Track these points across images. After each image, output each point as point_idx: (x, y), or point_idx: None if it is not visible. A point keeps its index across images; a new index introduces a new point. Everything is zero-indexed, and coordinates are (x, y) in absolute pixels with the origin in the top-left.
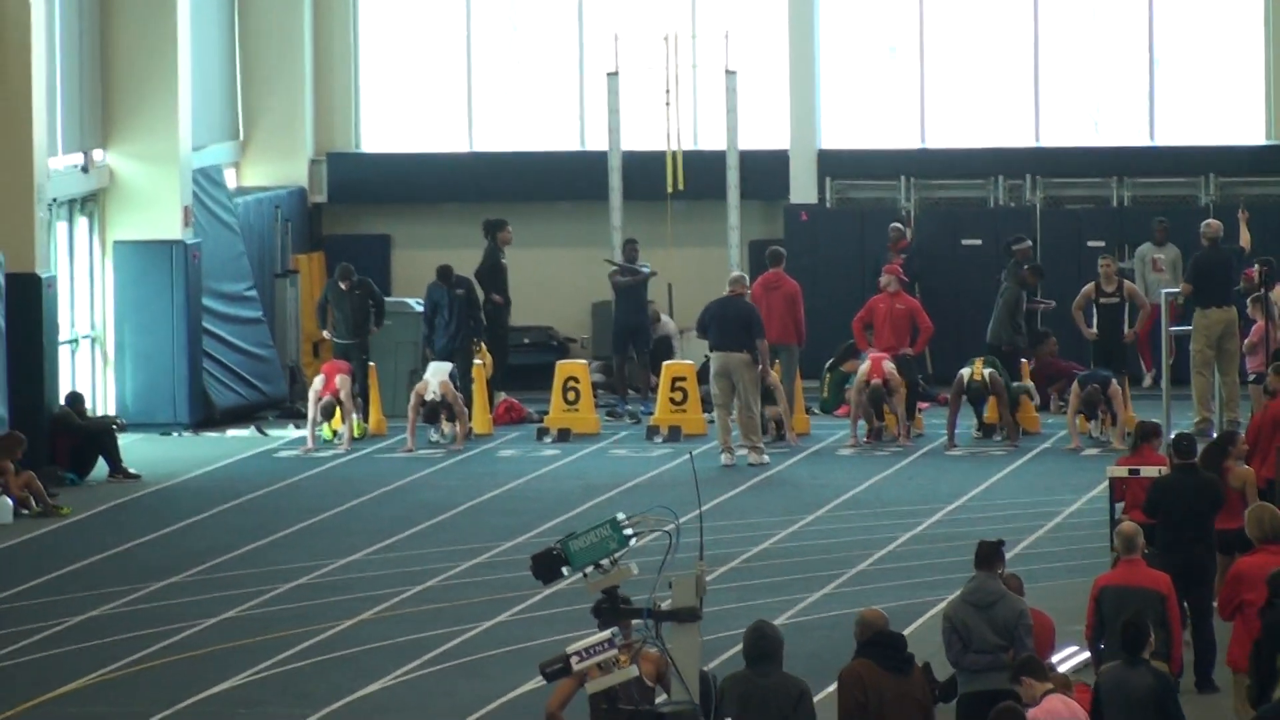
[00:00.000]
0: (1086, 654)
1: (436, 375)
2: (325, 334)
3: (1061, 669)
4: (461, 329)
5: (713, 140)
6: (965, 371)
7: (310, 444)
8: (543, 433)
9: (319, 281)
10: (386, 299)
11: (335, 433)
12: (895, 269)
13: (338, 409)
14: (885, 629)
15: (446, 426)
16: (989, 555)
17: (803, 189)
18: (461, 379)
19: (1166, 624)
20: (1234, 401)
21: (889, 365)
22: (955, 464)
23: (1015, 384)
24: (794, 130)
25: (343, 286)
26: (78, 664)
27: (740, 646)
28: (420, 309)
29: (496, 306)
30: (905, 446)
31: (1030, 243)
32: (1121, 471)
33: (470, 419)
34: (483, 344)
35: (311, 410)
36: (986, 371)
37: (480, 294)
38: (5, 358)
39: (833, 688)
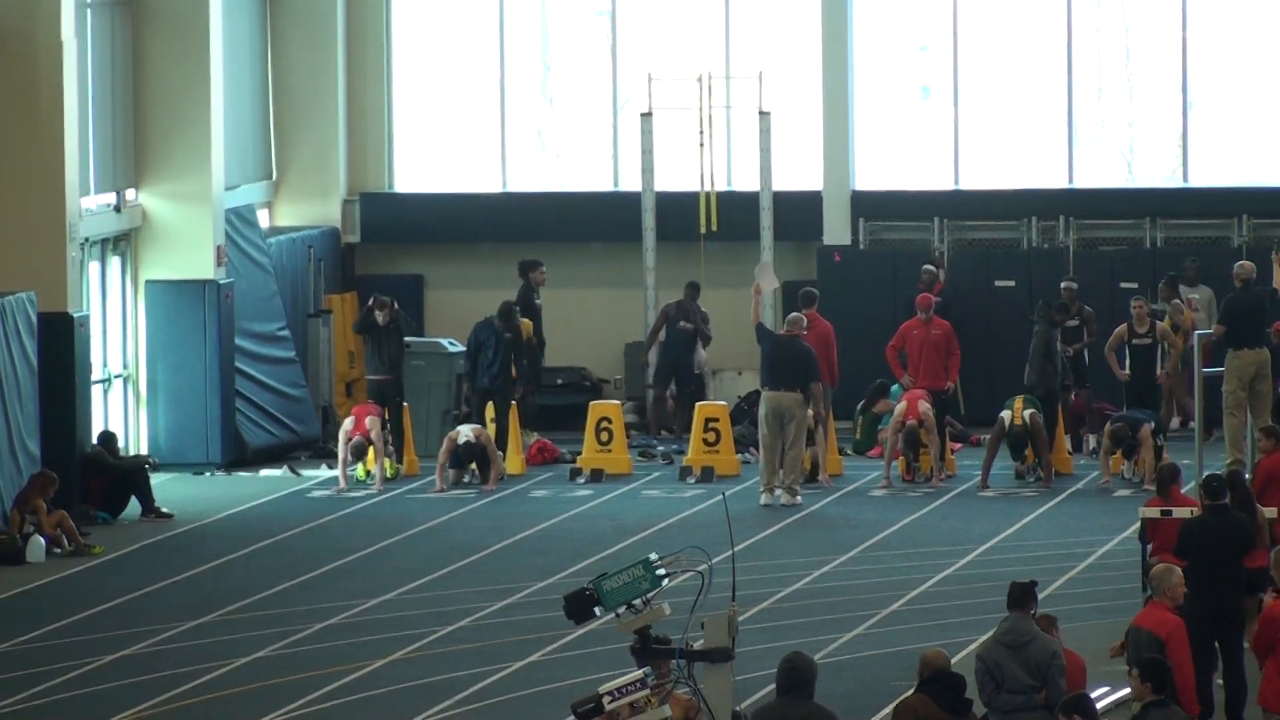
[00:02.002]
0: (1118, 694)
1: (470, 425)
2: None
3: None
4: (504, 370)
5: (746, 181)
6: (1005, 415)
7: (343, 484)
8: (575, 473)
9: (351, 321)
10: (420, 339)
11: (368, 473)
12: (929, 297)
13: (369, 449)
14: (947, 668)
15: (476, 467)
16: (1021, 596)
17: (836, 230)
18: (498, 419)
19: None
20: None
21: (924, 406)
22: (987, 505)
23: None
24: (827, 171)
25: (379, 318)
26: (109, 703)
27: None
28: (453, 349)
29: (530, 347)
30: (938, 487)
31: (1075, 285)
32: (1154, 513)
33: (504, 460)
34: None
35: (342, 451)
36: (1027, 414)
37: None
38: (38, 397)
39: None
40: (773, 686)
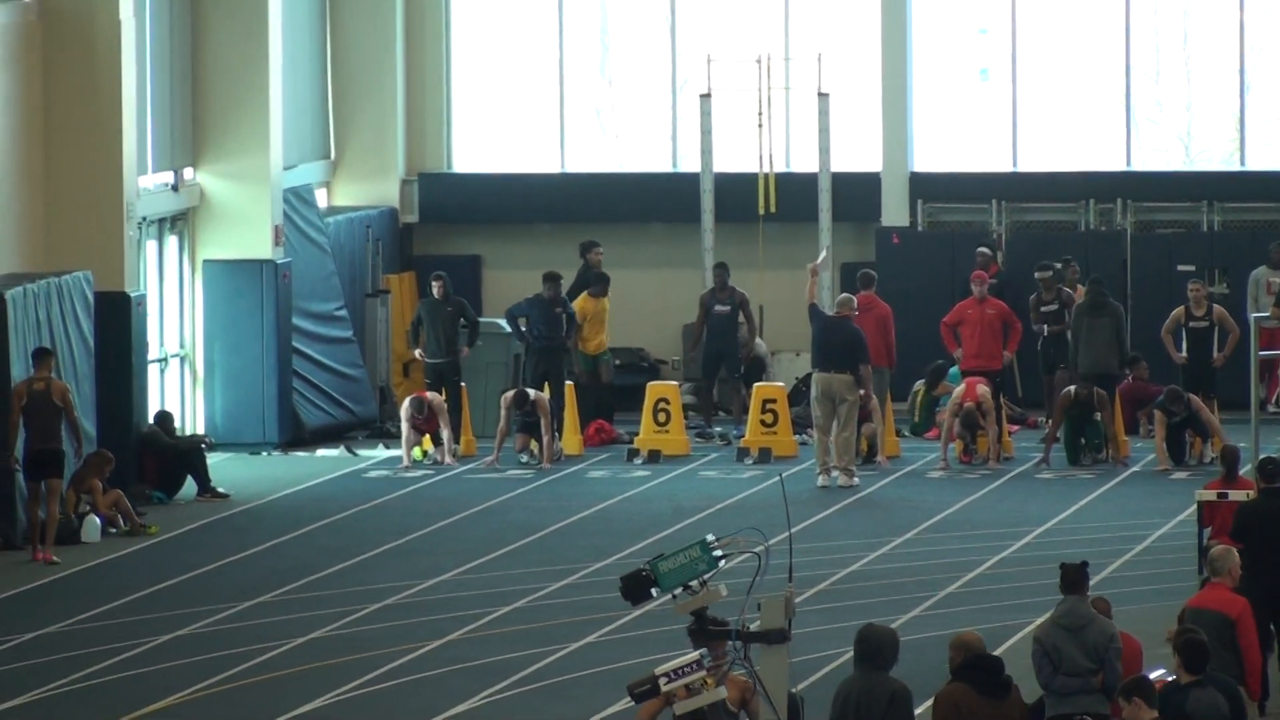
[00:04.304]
0: (1173, 677)
1: (533, 390)
2: (416, 353)
3: None
4: (553, 344)
5: (805, 162)
6: (1070, 388)
7: (406, 461)
8: (633, 454)
9: (410, 301)
10: (478, 320)
11: (425, 453)
12: (983, 274)
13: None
14: (983, 651)
15: (534, 446)
16: (1077, 579)
17: (894, 211)
18: (553, 397)
19: (1236, 648)
20: None
21: (982, 389)
22: (1045, 487)
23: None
24: (886, 152)
25: (436, 292)
26: (164, 683)
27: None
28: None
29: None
30: (995, 469)
31: (1050, 272)
32: (1210, 495)
33: (560, 439)
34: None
35: (405, 429)
36: (1094, 386)
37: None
38: (94, 376)
39: (925, 707)
40: (827, 670)
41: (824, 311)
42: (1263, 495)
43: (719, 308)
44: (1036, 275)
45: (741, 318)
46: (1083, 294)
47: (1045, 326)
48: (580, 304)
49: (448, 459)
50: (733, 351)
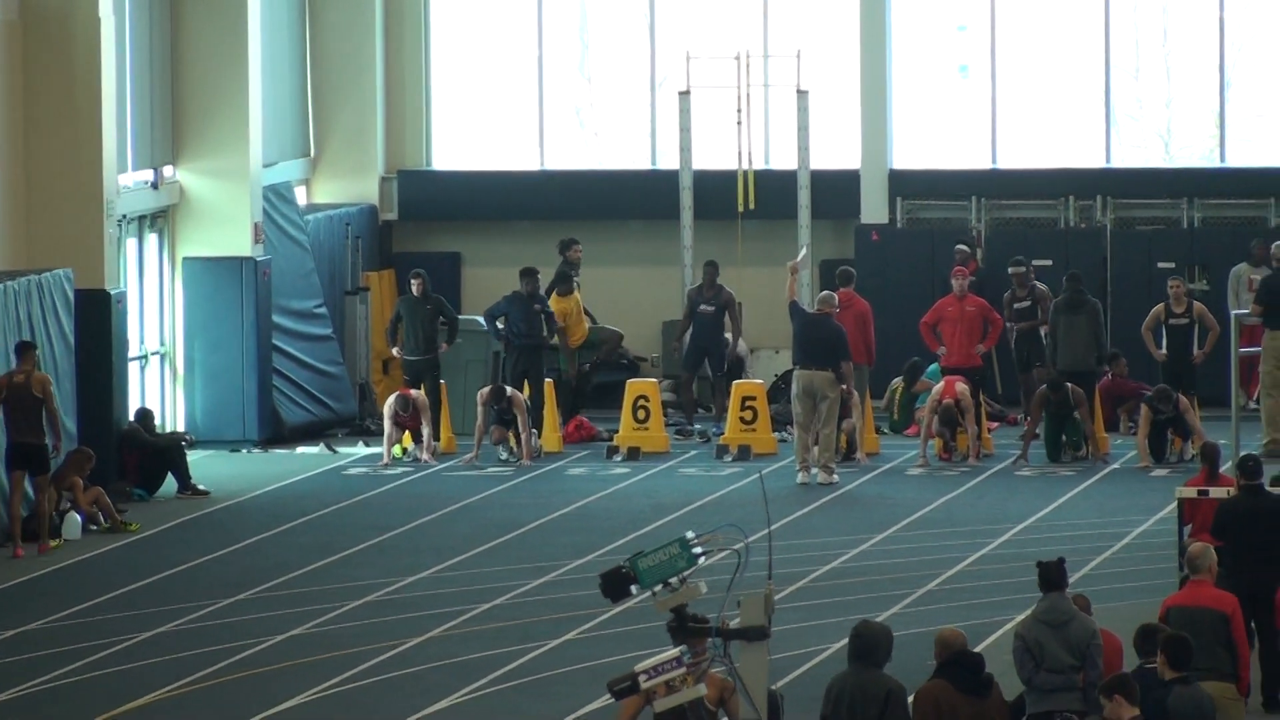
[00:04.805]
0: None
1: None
2: (395, 351)
3: None
4: (532, 342)
5: (784, 160)
6: (1044, 388)
7: (386, 458)
8: (612, 451)
9: (389, 299)
10: (458, 317)
11: (405, 450)
12: (963, 270)
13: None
14: (964, 649)
15: (513, 441)
16: (1057, 577)
17: (874, 209)
18: (533, 395)
19: (1231, 645)
20: None
21: (961, 386)
22: (1024, 484)
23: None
24: (865, 150)
25: (415, 290)
26: (145, 680)
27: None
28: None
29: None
30: (974, 466)
31: (1024, 267)
32: (1190, 493)
33: (540, 436)
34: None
35: (388, 426)
36: (1067, 385)
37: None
38: (75, 374)
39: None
40: (807, 668)
41: (804, 309)
42: (1243, 492)
43: (704, 306)
44: (1010, 270)
45: (727, 318)
46: (1046, 291)
47: (1015, 326)
48: (553, 305)
49: (427, 456)
50: (718, 350)
